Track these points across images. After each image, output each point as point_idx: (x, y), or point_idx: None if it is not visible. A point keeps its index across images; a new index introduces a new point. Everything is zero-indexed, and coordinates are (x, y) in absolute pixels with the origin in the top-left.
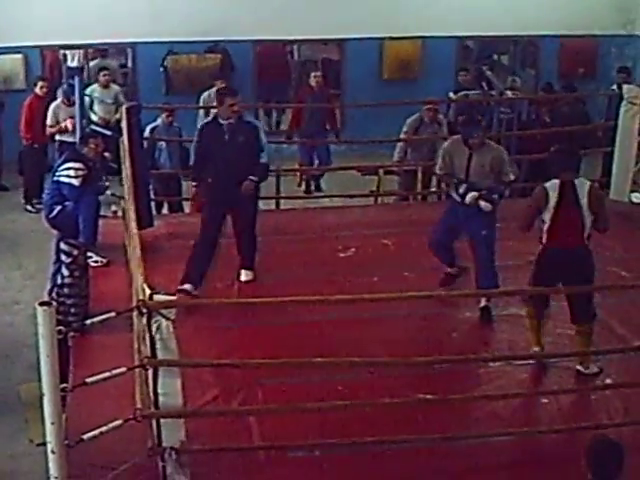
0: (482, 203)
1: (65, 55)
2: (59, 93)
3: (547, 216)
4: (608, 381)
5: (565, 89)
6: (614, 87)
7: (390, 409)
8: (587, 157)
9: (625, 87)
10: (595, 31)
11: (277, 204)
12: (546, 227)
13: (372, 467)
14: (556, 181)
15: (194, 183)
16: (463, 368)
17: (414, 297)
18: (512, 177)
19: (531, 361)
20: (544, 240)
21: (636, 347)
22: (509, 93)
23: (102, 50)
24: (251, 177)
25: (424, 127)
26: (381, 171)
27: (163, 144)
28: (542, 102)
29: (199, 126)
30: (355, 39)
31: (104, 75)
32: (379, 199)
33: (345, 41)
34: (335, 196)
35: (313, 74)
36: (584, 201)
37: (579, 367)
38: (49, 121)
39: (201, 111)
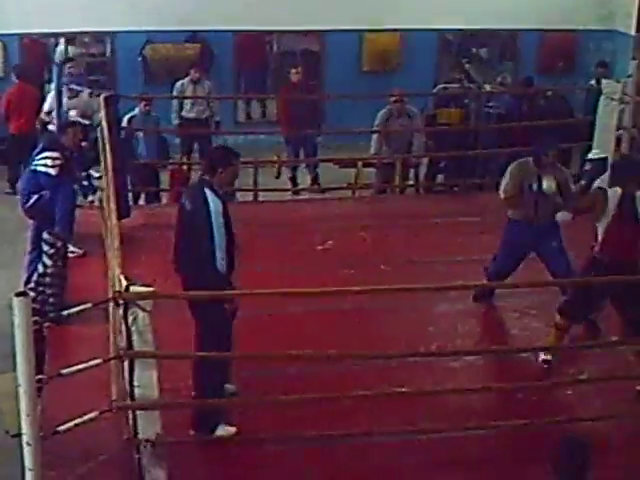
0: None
1: (57, 43)
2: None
3: (603, 225)
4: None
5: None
6: (592, 82)
7: (365, 401)
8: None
9: (604, 82)
10: (574, 25)
11: (255, 196)
12: (601, 237)
13: (348, 460)
14: (618, 190)
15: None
16: (438, 362)
17: (401, 290)
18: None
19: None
20: (596, 250)
21: (610, 342)
22: (487, 87)
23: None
24: None
25: (393, 119)
26: (359, 163)
27: (141, 134)
28: (522, 96)
29: (212, 204)
30: (335, 31)
31: (70, 67)
32: (357, 192)
33: (325, 32)
34: (313, 189)
35: (293, 70)
36: None
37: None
38: (46, 108)
39: (174, 101)
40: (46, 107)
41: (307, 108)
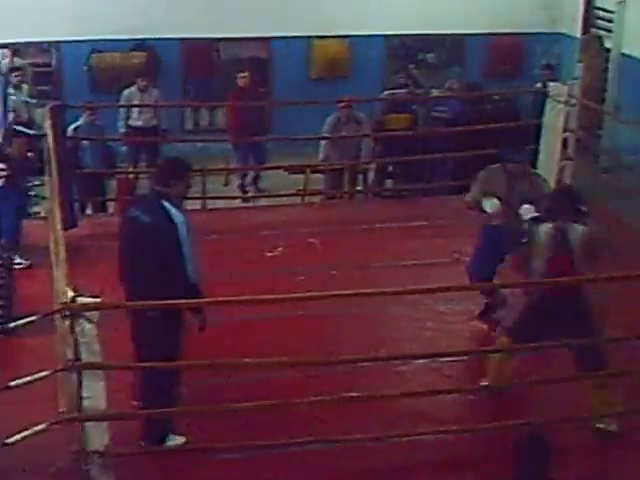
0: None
1: None
2: None
3: (538, 261)
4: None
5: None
6: (539, 85)
7: (320, 407)
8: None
9: (550, 85)
10: (520, 29)
11: (203, 204)
12: (538, 273)
13: (302, 467)
14: (549, 225)
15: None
16: (389, 366)
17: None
18: None
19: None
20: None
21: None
22: (435, 92)
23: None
24: None
25: (341, 125)
26: (308, 170)
27: (86, 143)
28: (469, 100)
29: (175, 218)
30: (282, 38)
31: (15, 76)
32: (306, 198)
33: (273, 40)
34: (262, 196)
35: (240, 75)
36: (576, 248)
37: (600, 425)
38: None
39: (122, 109)
40: None
41: (255, 114)
